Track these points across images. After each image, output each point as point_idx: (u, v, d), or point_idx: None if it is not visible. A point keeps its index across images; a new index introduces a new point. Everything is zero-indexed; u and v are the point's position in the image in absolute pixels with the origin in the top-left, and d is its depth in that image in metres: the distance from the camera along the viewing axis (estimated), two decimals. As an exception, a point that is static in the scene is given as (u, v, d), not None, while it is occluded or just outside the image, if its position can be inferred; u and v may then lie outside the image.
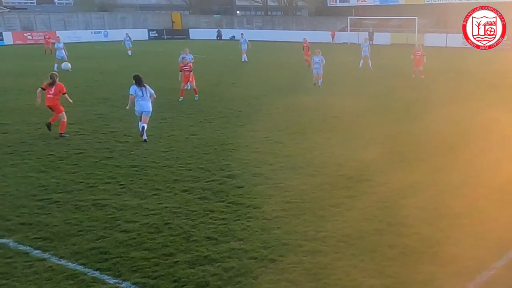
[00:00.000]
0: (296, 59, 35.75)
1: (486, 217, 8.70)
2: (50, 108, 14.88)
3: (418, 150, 13.10)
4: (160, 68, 33.32)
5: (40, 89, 14.85)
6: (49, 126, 14.64)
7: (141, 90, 14.11)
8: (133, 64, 35.67)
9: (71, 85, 24.75)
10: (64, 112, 14.79)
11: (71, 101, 15.60)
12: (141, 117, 14.09)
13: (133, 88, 14.10)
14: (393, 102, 20.50)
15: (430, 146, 13.47)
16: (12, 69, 31.87)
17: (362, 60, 33.03)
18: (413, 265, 7.04)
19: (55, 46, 34.53)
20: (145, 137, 13.86)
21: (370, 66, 32.46)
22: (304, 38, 37.31)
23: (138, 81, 14.21)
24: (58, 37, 37.00)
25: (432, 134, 14.68)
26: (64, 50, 33.68)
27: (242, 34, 41.03)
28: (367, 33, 57.62)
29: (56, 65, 31.06)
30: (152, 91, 14.38)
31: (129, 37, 44.54)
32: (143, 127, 13.88)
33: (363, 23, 69.10)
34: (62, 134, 14.47)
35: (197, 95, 20.79)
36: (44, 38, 45.75)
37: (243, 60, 37.94)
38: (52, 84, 14.84)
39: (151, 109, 14.19)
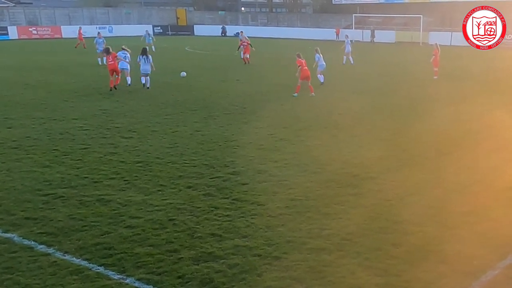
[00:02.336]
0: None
1: (492, 216, 8.65)
2: (113, 70, 21.91)
3: (424, 148, 13.05)
4: (165, 64, 33.29)
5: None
6: (112, 89, 21.72)
7: (145, 58, 22.51)
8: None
9: (76, 80, 24.86)
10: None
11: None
12: (144, 77, 22.53)
13: (140, 57, 22.56)
14: (399, 99, 20.45)
15: (437, 144, 13.42)
16: (17, 64, 31.90)
17: (345, 57, 34.54)
18: (418, 264, 7.00)
19: (95, 41, 35.32)
20: (148, 85, 22.45)
21: (352, 61, 34.10)
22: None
23: (144, 52, 22.94)
24: (99, 32, 38.01)
25: (438, 133, 14.62)
26: (104, 45, 33.95)
27: (241, 32, 39.71)
28: (345, 33, 56.99)
29: (99, 59, 32.21)
30: (151, 61, 22.67)
31: (149, 34, 45.00)
32: (146, 80, 22.54)
33: (367, 21, 68.93)
34: (116, 87, 21.84)
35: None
36: (79, 32, 46.36)
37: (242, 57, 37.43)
38: (108, 53, 22.25)
39: (149, 71, 22.45)
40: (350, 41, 35.62)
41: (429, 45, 55.22)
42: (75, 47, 43.83)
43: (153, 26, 74.04)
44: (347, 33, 40.54)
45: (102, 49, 32.08)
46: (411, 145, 13.31)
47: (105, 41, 34.74)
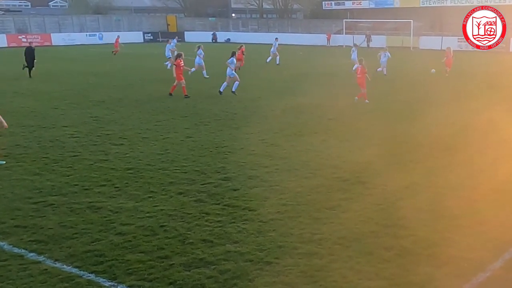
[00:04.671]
0: (291, 61, 35.80)
1: (483, 218, 8.70)
2: (178, 75, 22.27)
3: (415, 151, 13.10)
4: (155, 71, 33.28)
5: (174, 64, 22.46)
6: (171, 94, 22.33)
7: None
8: (127, 67, 35.66)
9: (65, 88, 24.79)
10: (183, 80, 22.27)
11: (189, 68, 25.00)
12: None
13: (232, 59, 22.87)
14: (389, 103, 20.54)
15: (427, 147, 13.48)
16: (7, 72, 31.75)
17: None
18: (410, 267, 7.02)
19: (166, 47, 36.37)
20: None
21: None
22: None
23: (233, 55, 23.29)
24: (168, 40, 39.00)
25: (428, 136, 14.69)
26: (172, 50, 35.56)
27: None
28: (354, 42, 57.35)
29: (168, 63, 33.69)
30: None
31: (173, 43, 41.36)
32: (224, 86, 22.88)
33: (358, 26, 69.23)
34: (186, 96, 22.06)
35: None
36: (116, 40, 47.75)
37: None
38: (180, 56, 22.84)
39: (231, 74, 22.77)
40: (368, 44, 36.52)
41: (420, 50, 55.74)
42: (114, 54, 45.28)
43: (144, 33, 74.10)
44: (355, 42, 41.16)
45: (170, 54, 35.35)
46: (401, 149, 13.36)
47: (174, 47, 36.39)
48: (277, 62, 37.30)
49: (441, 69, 30.38)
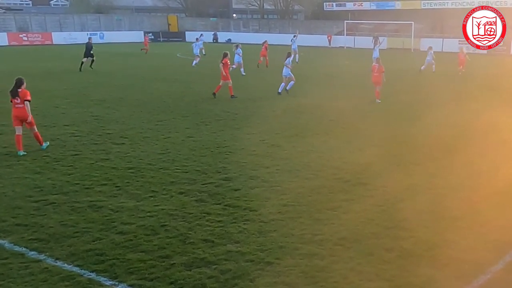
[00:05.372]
0: (292, 62, 35.75)
1: (484, 220, 8.70)
2: (226, 74, 21.81)
3: (415, 153, 13.11)
4: (156, 71, 33.31)
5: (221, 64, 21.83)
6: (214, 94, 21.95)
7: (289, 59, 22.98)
8: (129, 67, 35.68)
9: (66, 87, 24.80)
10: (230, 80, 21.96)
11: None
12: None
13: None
14: (390, 105, 20.53)
15: (428, 149, 13.49)
16: (7, 70, 31.73)
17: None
18: (410, 268, 7.03)
19: (194, 44, 38.64)
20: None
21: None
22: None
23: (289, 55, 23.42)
24: (197, 38, 40.58)
25: (429, 137, 14.69)
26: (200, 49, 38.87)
27: (196, 38, 41.30)
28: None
29: (195, 61, 36.71)
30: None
31: (200, 41, 41.96)
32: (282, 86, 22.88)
33: (359, 27, 69.26)
34: (232, 96, 21.84)
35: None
36: (145, 39, 49.92)
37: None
38: (225, 56, 21.90)
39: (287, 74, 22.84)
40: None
41: (421, 51, 55.69)
42: (145, 53, 46.86)
43: (145, 32, 74.07)
44: (375, 39, 42.55)
45: (198, 52, 37.87)
46: (402, 150, 13.36)
47: (202, 45, 39.39)
48: (296, 60, 38.17)
49: (408, 74, 30.01)
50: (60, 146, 13.54)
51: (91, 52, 32.79)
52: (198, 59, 36.92)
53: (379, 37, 60.61)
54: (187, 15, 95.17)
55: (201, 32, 51.03)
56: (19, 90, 12.90)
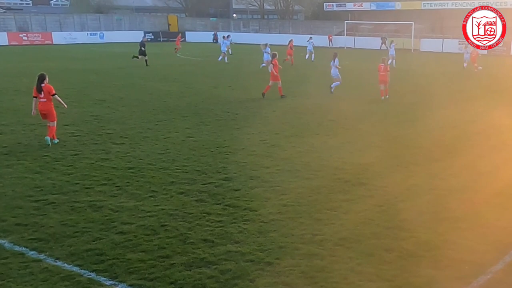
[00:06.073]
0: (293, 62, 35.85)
1: (485, 221, 8.70)
2: (276, 74, 22.05)
3: (416, 154, 13.10)
4: (156, 71, 33.31)
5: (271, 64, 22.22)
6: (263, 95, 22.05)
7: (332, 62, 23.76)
8: (128, 66, 35.63)
9: (66, 86, 24.76)
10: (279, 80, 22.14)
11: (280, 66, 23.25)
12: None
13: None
14: (391, 106, 20.54)
15: (428, 150, 13.48)
16: (8, 70, 31.78)
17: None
18: (411, 269, 7.02)
19: (223, 42, 41.47)
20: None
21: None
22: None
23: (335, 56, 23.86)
24: (227, 36, 43.95)
25: (430, 138, 14.69)
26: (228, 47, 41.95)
27: (224, 36, 43.49)
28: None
29: (221, 57, 39.75)
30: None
31: (228, 40, 44.10)
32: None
33: (359, 28, 69.25)
34: (282, 96, 22.03)
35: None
36: (178, 38, 51.66)
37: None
38: (274, 57, 22.37)
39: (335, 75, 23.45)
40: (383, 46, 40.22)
41: (420, 52, 55.67)
42: (175, 52, 48.68)
43: (145, 32, 74.04)
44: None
45: (225, 49, 40.84)
46: (402, 150, 13.36)
47: (230, 43, 42.81)
48: (312, 59, 41.56)
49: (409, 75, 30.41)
50: (60, 146, 13.52)
51: (143, 49, 35.84)
52: (224, 56, 39.93)
53: (386, 39, 60.83)
54: (187, 15, 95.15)
55: (229, 33, 53.62)
56: (43, 85, 13.53)
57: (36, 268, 6.89)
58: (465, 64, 35.56)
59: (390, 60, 36.71)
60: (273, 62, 22.14)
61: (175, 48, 49.65)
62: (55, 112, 13.73)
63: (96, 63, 33.30)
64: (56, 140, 13.73)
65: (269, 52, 31.27)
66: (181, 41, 51.76)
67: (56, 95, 13.73)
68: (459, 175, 11.25)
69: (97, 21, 74.13)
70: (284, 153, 13.04)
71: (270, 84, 22.20)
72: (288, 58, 37.56)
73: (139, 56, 36.02)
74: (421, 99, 22.15)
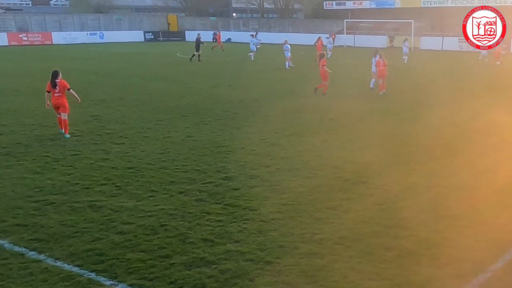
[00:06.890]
0: (292, 61, 35.79)
1: (484, 219, 8.69)
2: (324, 76, 22.62)
3: (416, 152, 13.09)
4: (156, 70, 33.31)
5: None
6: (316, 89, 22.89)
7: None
8: (128, 66, 35.66)
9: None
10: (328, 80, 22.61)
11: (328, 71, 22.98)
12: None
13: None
14: (391, 104, 20.52)
15: (428, 148, 13.47)
16: (7, 70, 31.77)
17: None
18: (411, 267, 7.02)
19: (251, 40, 43.51)
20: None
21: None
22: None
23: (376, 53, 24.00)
24: (255, 34, 47.47)
25: (430, 136, 14.67)
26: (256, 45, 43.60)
27: (252, 35, 46.06)
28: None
29: (252, 54, 42.16)
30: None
31: (257, 39, 46.63)
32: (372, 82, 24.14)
33: (359, 26, 69.20)
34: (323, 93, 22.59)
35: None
36: (218, 36, 55.34)
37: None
38: (322, 57, 23.15)
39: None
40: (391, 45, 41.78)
41: (420, 50, 55.62)
42: (212, 49, 50.76)
43: (145, 32, 74.07)
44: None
45: (254, 47, 42.81)
46: (402, 149, 13.35)
47: (259, 42, 44.78)
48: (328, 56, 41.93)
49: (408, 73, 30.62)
50: (59, 146, 13.53)
51: (199, 46, 38.92)
52: (253, 53, 42.35)
53: (394, 38, 60.94)
54: (187, 15, 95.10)
55: (256, 31, 56.67)
56: (57, 80, 14.36)
57: (36, 269, 6.89)
58: (479, 57, 37.74)
59: (404, 57, 38.20)
60: (323, 63, 22.77)
61: (213, 47, 51.56)
62: (68, 105, 14.53)
63: (96, 63, 33.27)
64: (68, 135, 14.31)
65: (289, 49, 34.80)
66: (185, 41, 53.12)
67: (71, 90, 14.61)
68: (459, 173, 11.25)
69: (97, 21, 74.09)
70: (284, 152, 13.04)
71: (325, 83, 22.84)
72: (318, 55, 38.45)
73: (196, 53, 38.88)
74: (421, 97, 22.10)
